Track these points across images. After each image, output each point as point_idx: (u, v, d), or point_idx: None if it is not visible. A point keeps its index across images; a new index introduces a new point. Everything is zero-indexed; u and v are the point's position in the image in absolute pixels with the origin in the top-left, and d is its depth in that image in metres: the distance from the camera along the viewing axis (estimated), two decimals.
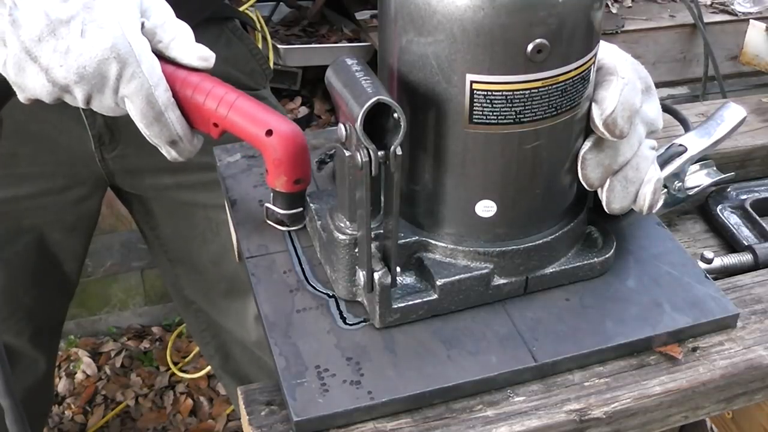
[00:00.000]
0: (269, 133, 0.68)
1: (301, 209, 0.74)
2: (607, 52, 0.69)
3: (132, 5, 0.69)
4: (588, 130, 0.69)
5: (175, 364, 2.11)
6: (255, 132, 0.68)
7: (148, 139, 0.73)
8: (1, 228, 1.15)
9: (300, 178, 0.71)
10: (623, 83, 0.67)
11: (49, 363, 1.37)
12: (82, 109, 1.04)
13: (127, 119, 1.07)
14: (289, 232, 0.79)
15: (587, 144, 0.69)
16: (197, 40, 1.10)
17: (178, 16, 0.76)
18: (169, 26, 0.71)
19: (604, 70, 0.68)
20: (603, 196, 0.71)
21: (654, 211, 0.74)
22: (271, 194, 0.75)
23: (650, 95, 0.73)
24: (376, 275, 0.67)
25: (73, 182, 1.16)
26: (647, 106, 0.72)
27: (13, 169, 1.11)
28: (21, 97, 0.72)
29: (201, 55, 0.72)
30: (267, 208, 0.74)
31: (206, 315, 1.34)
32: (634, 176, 0.71)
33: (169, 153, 0.74)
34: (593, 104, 0.67)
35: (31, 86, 0.69)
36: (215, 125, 0.70)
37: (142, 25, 0.70)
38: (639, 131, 0.70)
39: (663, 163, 0.86)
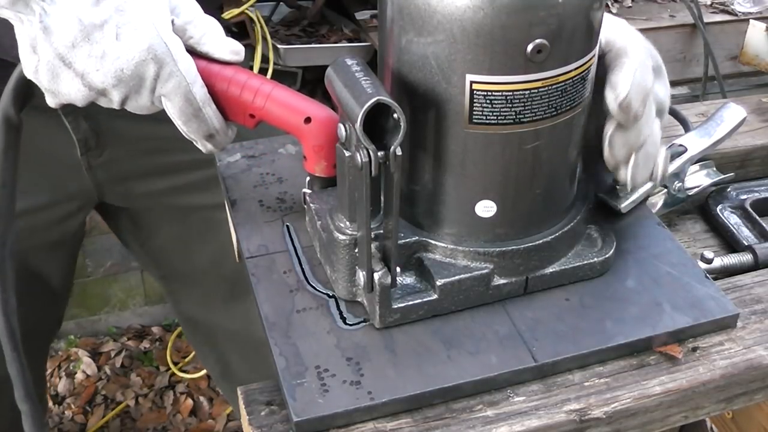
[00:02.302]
0: (308, 120, 0.69)
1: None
2: (617, 30, 0.69)
3: (163, 5, 0.69)
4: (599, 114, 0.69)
5: (175, 364, 2.11)
6: (294, 120, 0.69)
7: (185, 135, 0.73)
8: None
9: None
10: (636, 66, 0.67)
11: (38, 372, 1.35)
12: (64, 115, 1.03)
13: (112, 123, 1.05)
14: (289, 232, 0.79)
15: (610, 127, 0.70)
16: None
17: None
18: (199, 22, 0.72)
19: (614, 51, 0.68)
20: (628, 172, 0.74)
21: (655, 212, 0.74)
22: (308, 180, 0.75)
23: (660, 75, 0.74)
24: (376, 275, 0.67)
25: (58, 198, 1.12)
26: (657, 86, 0.73)
27: None
28: (52, 102, 0.72)
29: (233, 49, 0.72)
30: (305, 193, 0.74)
31: (206, 327, 1.33)
32: (653, 150, 0.74)
33: (205, 147, 0.74)
34: (607, 88, 0.68)
35: (65, 92, 0.69)
36: (251, 116, 0.71)
37: (172, 22, 0.70)
38: (651, 109, 0.73)
39: None
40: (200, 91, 0.69)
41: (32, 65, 0.68)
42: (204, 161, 1.08)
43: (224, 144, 0.75)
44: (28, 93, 0.73)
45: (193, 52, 0.71)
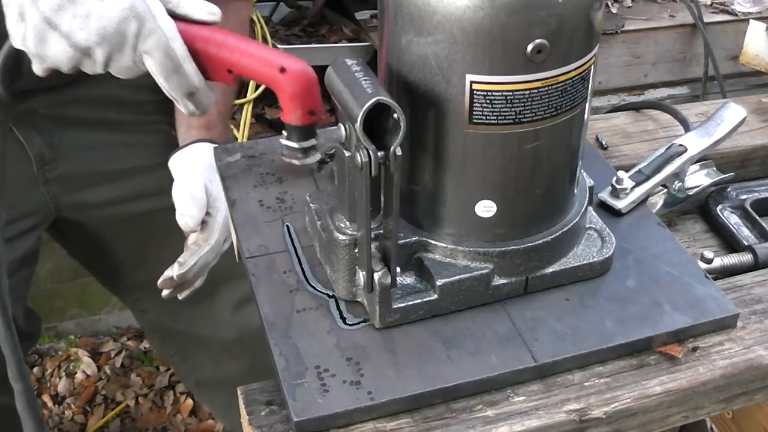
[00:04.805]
0: (282, 70, 0.72)
1: (315, 142, 0.75)
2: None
3: None
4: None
5: None
6: (269, 72, 0.72)
7: (167, 93, 0.76)
8: None
9: (313, 110, 0.73)
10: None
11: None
12: (18, 130, 1.05)
13: (64, 133, 1.08)
14: (289, 232, 0.79)
15: None
16: None
17: None
18: None
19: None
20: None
21: (655, 212, 0.74)
22: (285, 131, 0.77)
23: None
24: (376, 275, 0.67)
25: (12, 216, 1.11)
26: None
27: None
28: (38, 68, 0.74)
29: (210, 10, 0.75)
30: (282, 144, 0.76)
31: (174, 335, 1.32)
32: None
33: (186, 107, 0.77)
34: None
35: (52, 54, 0.72)
36: (229, 71, 0.74)
37: None
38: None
39: (663, 163, 0.86)
40: (180, 47, 0.72)
41: (20, 34, 0.71)
42: (155, 164, 1.12)
43: (204, 104, 0.78)
44: (16, 71, 0.76)
45: (173, 15, 0.74)
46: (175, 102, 0.77)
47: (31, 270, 1.25)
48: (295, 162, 0.75)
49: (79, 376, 2.11)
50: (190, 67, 0.73)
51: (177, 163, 1.06)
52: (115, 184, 1.16)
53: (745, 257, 0.84)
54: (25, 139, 1.08)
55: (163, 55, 0.72)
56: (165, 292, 1.04)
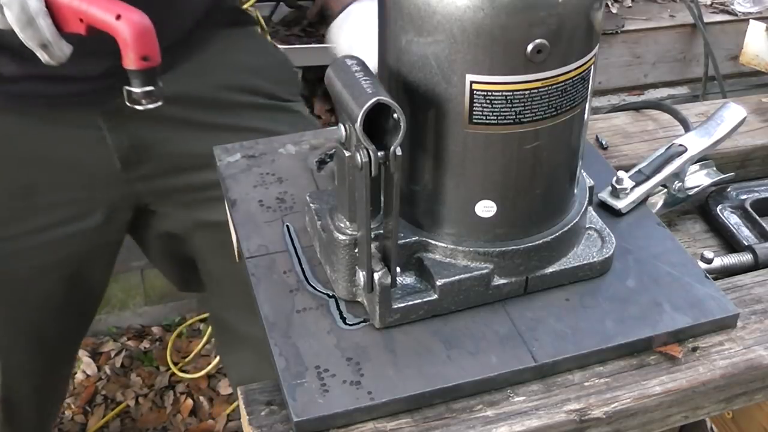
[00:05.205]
0: (118, 17, 0.78)
1: (153, 88, 0.81)
2: None
3: None
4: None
5: (175, 364, 2.10)
6: (107, 18, 0.78)
7: (24, 42, 0.81)
8: (24, 267, 1.12)
9: (146, 56, 0.79)
10: None
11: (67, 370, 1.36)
12: (108, 130, 1.05)
13: (153, 140, 1.07)
14: (289, 232, 0.79)
15: None
16: (219, 47, 1.08)
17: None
18: None
19: None
20: None
21: (655, 212, 0.74)
22: (128, 78, 0.82)
23: None
24: (376, 275, 0.67)
25: (94, 206, 1.13)
26: None
27: (30, 200, 1.09)
28: None
29: None
30: (125, 90, 0.81)
31: (230, 331, 1.32)
32: None
33: (42, 56, 0.83)
34: None
35: None
36: (81, 20, 0.80)
37: None
38: None
39: (663, 163, 0.86)
40: (35, 4, 0.78)
41: None
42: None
43: (59, 57, 0.83)
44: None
45: None
46: (33, 51, 0.82)
47: (113, 256, 1.25)
48: (138, 108, 0.81)
49: (79, 376, 2.11)
50: (42, 22, 0.79)
51: (345, 31, 1.09)
52: (191, 192, 1.13)
53: (745, 257, 0.84)
54: (113, 141, 1.07)
55: (18, 9, 0.78)
56: None
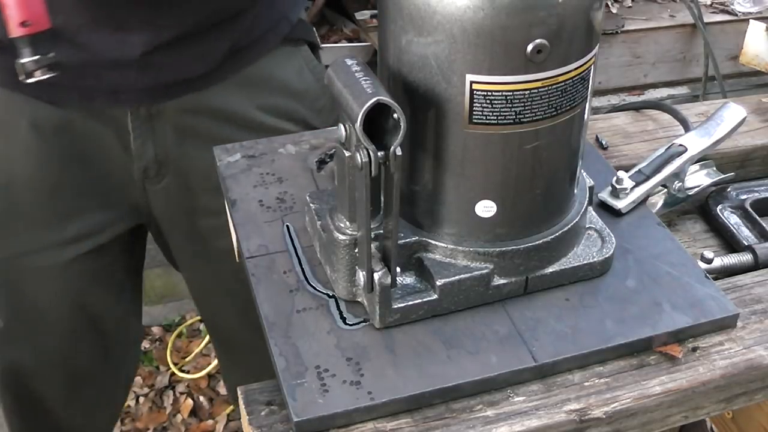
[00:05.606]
0: None
1: (39, 56, 0.75)
2: None
3: None
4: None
5: (175, 364, 2.10)
6: None
7: None
8: (44, 293, 1.06)
9: (27, 20, 0.74)
10: None
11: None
12: (134, 136, 0.99)
13: (177, 154, 1.02)
14: (289, 232, 0.79)
15: None
16: (270, 63, 1.03)
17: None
18: None
19: None
20: None
21: (655, 212, 0.74)
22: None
23: None
24: (376, 275, 0.67)
25: (114, 219, 1.07)
26: None
27: (55, 206, 1.02)
28: None
29: None
30: (16, 64, 0.76)
31: (221, 337, 1.30)
32: None
33: None
34: None
35: None
36: None
37: None
38: None
39: (663, 163, 0.86)
40: None
41: None
42: None
43: None
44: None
45: None
46: None
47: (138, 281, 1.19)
48: (31, 81, 0.75)
49: None
50: None
51: None
52: (211, 216, 1.06)
53: (745, 257, 0.84)
54: (136, 148, 1.00)
55: None
56: None
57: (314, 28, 1.15)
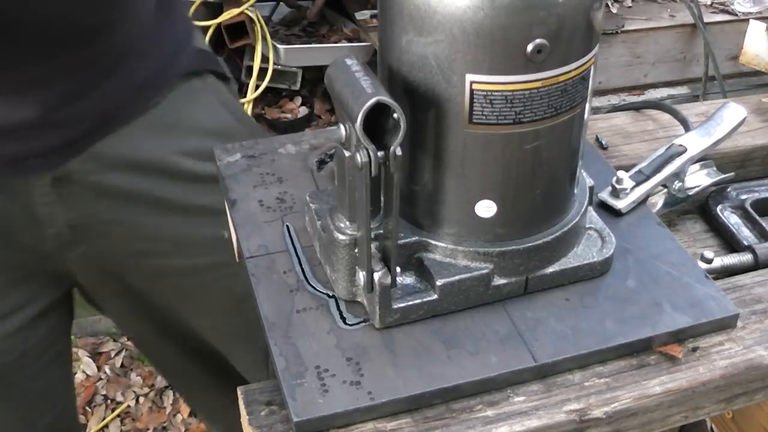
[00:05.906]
0: None
1: None
2: None
3: None
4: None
5: None
6: None
7: None
8: None
9: None
10: None
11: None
12: (40, 206, 0.90)
13: (93, 218, 0.93)
14: (289, 232, 0.79)
15: None
16: (169, 104, 0.93)
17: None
18: None
19: None
20: None
21: (655, 212, 0.74)
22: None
23: None
24: (376, 275, 0.67)
25: (36, 292, 0.98)
26: None
27: None
28: None
29: None
30: None
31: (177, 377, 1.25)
32: None
33: None
34: None
35: None
36: None
37: None
38: None
39: (663, 163, 0.86)
40: None
41: None
42: (202, 266, 0.98)
43: None
44: None
45: None
46: None
47: (68, 356, 1.11)
48: None
49: (79, 376, 2.12)
50: None
51: None
52: (147, 278, 1.01)
53: (745, 257, 0.84)
54: (44, 216, 0.92)
55: None
56: None
57: (220, 58, 1.06)
